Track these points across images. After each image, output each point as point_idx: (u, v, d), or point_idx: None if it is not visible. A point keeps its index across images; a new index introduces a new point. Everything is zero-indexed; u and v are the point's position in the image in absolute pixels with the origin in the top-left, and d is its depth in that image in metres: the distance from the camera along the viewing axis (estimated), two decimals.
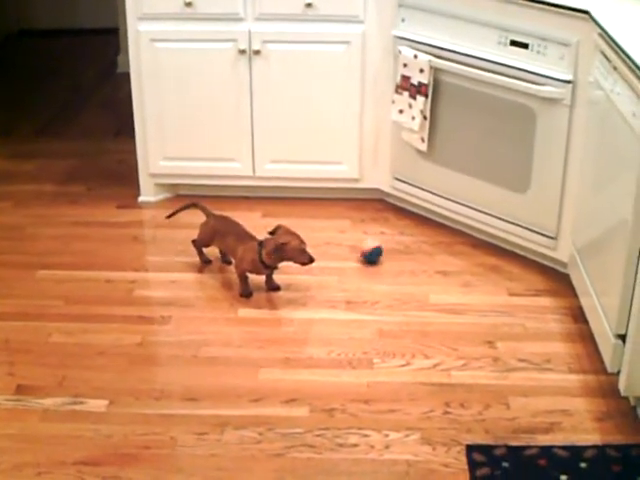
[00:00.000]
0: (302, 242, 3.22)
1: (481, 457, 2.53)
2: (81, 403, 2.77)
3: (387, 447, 2.59)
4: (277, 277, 3.37)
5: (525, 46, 3.26)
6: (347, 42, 3.73)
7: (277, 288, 3.37)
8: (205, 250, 3.55)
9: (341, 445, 2.60)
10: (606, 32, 2.83)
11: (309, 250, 3.22)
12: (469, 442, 2.60)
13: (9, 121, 5.02)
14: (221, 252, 3.54)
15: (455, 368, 2.93)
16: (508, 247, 3.61)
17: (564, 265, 3.38)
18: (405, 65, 3.59)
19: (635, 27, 2.92)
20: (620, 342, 2.67)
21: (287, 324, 3.20)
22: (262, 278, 3.36)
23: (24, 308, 3.26)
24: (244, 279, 3.33)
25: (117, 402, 2.78)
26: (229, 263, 3.50)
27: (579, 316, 3.15)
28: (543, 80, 3.21)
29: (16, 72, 5.92)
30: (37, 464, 2.52)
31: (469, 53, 3.42)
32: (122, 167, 4.32)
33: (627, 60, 2.61)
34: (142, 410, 2.75)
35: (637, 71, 2.52)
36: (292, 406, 2.76)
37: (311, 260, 3.22)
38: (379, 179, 3.96)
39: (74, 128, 4.93)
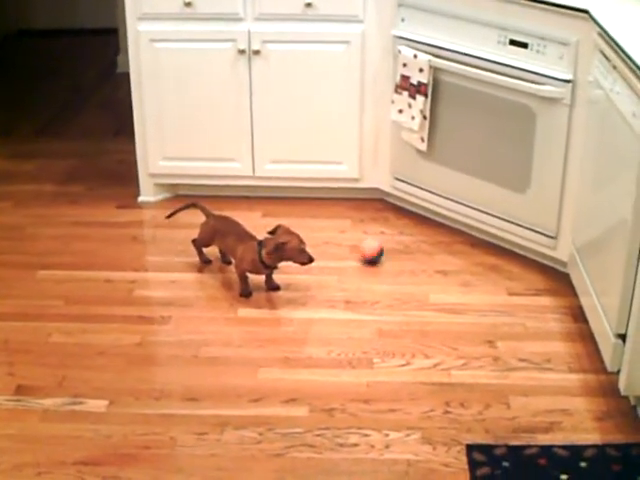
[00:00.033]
0: (302, 242, 3.22)
1: (481, 457, 2.53)
2: (81, 403, 2.77)
3: (387, 447, 2.59)
4: (277, 277, 3.37)
5: (525, 45, 3.26)
6: (347, 42, 3.73)
7: (277, 288, 3.37)
8: (205, 250, 3.55)
9: (341, 445, 2.60)
10: (605, 31, 2.83)
11: (309, 250, 3.22)
12: (469, 442, 2.59)
13: (9, 121, 5.02)
14: (221, 252, 3.54)
15: (455, 368, 2.93)
16: (508, 246, 3.61)
17: (564, 264, 3.38)
18: (405, 65, 3.59)
19: (634, 26, 2.92)
20: (620, 341, 2.67)
21: (287, 324, 3.20)
22: (262, 278, 3.36)
23: (24, 308, 3.26)
24: (244, 279, 3.33)
25: (117, 402, 2.78)
26: (229, 263, 3.50)
27: (579, 315, 3.15)
28: (543, 79, 3.21)
29: (16, 72, 5.92)
30: (37, 464, 2.52)
31: (468, 53, 3.42)
32: (122, 167, 4.31)
33: (627, 59, 2.61)
34: (142, 410, 2.75)
35: (637, 70, 2.52)
36: (292, 406, 2.76)
37: (310, 260, 3.22)
38: (379, 179, 3.96)
39: (74, 128, 4.93)
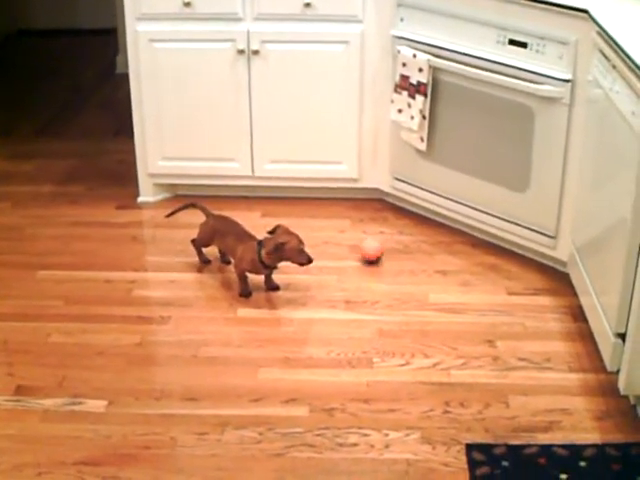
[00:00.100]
0: (301, 242, 3.22)
1: (481, 456, 2.53)
2: (80, 403, 2.77)
3: (387, 446, 2.59)
4: (276, 277, 3.37)
5: (524, 45, 3.26)
6: (346, 42, 3.73)
7: (276, 288, 3.37)
8: (204, 250, 3.55)
9: (341, 445, 2.60)
10: (605, 31, 2.83)
11: (307, 250, 3.22)
12: (469, 441, 2.60)
13: (9, 121, 5.02)
14: (220, 252, 3.54)
15: (455, 367, 2.93)
16: (507, 246, 3.61)
17: (563, 264, 3.38)
18: (404, 64, 3.59)
19: (634, 25, 2.92)
20: (620, 341, 2.67)
21: (286, 324, 3.20)
22: (261, 278, 3.36)
23: (23, 308, 3.26)
24: (243, 279, 3.33)
25: (117, 402, 2.78)
26: (228, 263, 3.50)
27: (579, 315, 3.15)
28: (542, 79, 3.21)
29: (15, 72, 5.92)
30: (37, 464, 2.52)
31: (468, 52, 3.42)
32: (121, 167, 4.31)
33: (626, 59, 2.61)
34: (142, 410, 2.74)
35: (636, 70, 2.52)
36: (292, 406, 2.76)
37: (309, 261, 3.22)
38: (378, 179, 3.96)
39: (73, 128, 4.93)
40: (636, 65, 2.52)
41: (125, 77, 3.93)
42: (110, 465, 2.53)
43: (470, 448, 2.56)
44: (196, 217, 3.54)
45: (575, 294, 3.19)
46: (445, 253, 3.63)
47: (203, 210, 3.53)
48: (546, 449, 2.56)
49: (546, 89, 3.20)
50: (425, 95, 3.56)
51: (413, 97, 3.59)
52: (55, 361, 2.98)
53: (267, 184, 4.02)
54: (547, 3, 3.14)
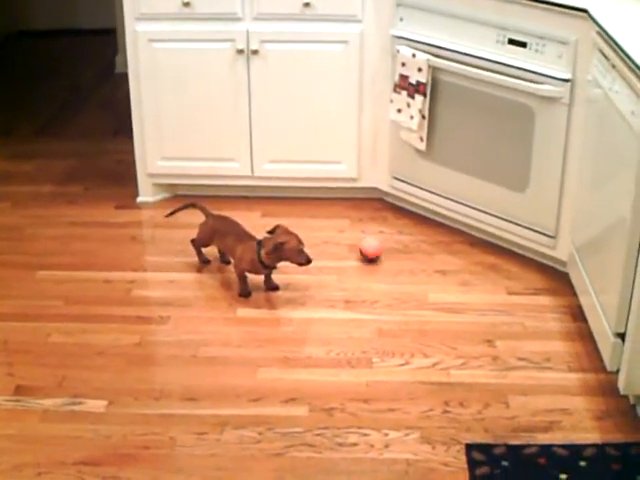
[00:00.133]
0: (300, 242, 3.22)
1: (480, 456, 2.53)
2: (80, 403, 2.77)
3: (387, 446, 2.59)
4: (276, 277, 3.37)
5: (523, 45, 3.26)
6: (345, 42, 3.73)
7: (276, 288, 3.36)
8: (204, 250, 3.55)
9: (341, 444, 2.60)
10: (604, 30, 2.83)
11: (307, 250, 3.22)
12: (468, 441, 2.60)
13: (8, 121, 5.02)
14: (220, 252, 3.54)
15: (454, 367, 2.93)
16: (507, 246, 3.61)
17: (563, 264, 3.38)
18: (403, 64, 3.59)
19: (633, 25, 2.92)
20: (619, 341, 2.67)
21: (286, 324, 3.20)
22: (261, 278, 3.36)
23: (23, 308, 3.26)
24: (243, 279, 3.33)
25: (116, 402, 2.78)
26: (228, 263, 3.50)
27: (578, 315, 3.15)
28: (541, 79, 3.21)
29: (15, 72, 5.92)
30: (37, 464, 2.52)
31: (467, 52, 3.42)
32: (121, 167, 4.31)
33: (625, 58, 2.61)
34: (141, 410, 2.74)
35: (636, 69, 2.52)
36: (291, 405, 2.76)
37: (308, 261, 3.22)
38: (378, 178, 3.96)
39: (73, 128, 4.93)
40: (636, 65, 2.52)
41: (124, 77, 3.93)
42: (110, 465, 2.53)
43: (470, 448, 2.56)
44: (196, 217, 3.54)
45: (575, 294, 3.19)
46: (445, 253, 3.63)
47: (203, 210, 3.53)
48: (546, 449, 2.56)
49: (546, 89, 3.20)
50: (424, 95, 3.55)
51: (412, 97, 3.59)
52: (55, 361, 2.98)
53: (267, 184, 4.02)
54: (547, 3, 3.14)
